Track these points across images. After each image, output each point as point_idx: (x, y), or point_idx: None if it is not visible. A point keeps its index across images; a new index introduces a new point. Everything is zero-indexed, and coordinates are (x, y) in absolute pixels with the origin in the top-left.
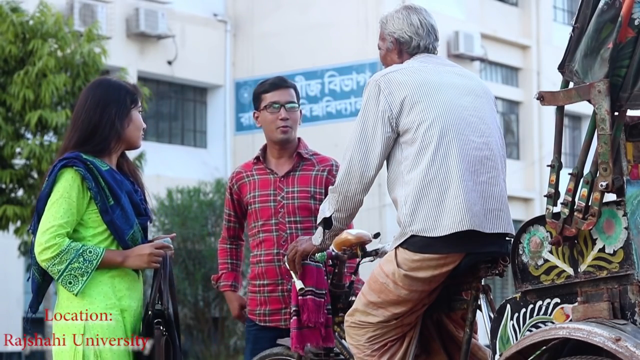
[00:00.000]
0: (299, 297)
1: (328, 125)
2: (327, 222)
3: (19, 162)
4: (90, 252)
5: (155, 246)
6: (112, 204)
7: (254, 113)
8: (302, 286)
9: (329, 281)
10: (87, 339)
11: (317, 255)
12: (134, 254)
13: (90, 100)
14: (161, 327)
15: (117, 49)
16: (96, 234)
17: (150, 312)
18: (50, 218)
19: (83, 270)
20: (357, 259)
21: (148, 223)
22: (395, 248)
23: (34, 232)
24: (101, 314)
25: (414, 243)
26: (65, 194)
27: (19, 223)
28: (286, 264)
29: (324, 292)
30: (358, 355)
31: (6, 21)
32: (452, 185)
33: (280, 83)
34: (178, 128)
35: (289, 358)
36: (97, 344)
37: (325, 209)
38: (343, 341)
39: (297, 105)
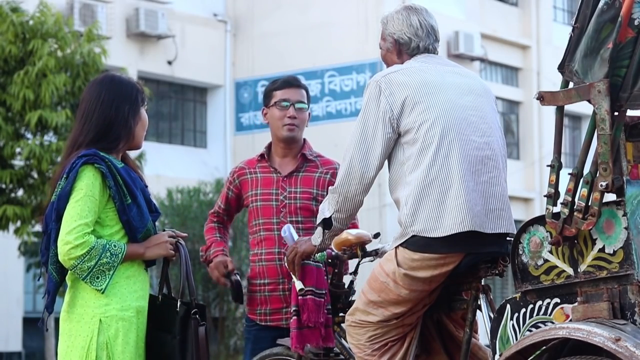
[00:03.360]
0: (299, 297)
1: (328, 125)
2: (326, 223)
3: (19, 162)
4: (115, 246)
5: (169, 234)
6: (130, 203)
7: (263, 109)
8: (302, 286)
9: (329, 281)
10: (100, 340)
11: (317, 255)
12: (153, 244)
13: (105, 95)
14: (197, 317)
15: (117, 49)
16: (113, 233)
17: (179, 304)
18: (75, 217)
19: (110, 264)
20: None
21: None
22: (396, 247)
23: (48, 231)
24: (116, 315)
25: (414, 242)
26: (89, 192)
27: (19, 223)
28: (286, 264)
29: (324, 292)
30: (359, 354)
31: (6, 21)
32: (453, 185)
33: (292, 82)
34: (178, 128)
35: (289, 358)
36: (111, 346)
37: (325, 209)
38: (343, 341)
39: (306, 106)
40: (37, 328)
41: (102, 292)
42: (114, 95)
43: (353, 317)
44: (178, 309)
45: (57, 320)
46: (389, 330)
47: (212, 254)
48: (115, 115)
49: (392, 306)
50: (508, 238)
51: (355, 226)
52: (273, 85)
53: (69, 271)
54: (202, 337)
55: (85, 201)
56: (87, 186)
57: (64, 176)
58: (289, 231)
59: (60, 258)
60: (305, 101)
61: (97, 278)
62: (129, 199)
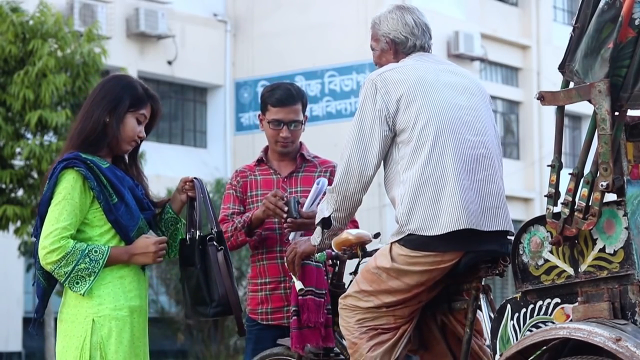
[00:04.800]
0: (299, 297)
1: (328, 125)
2: (325, 222)
3: (19, 162)
4: (95, 251)
5: (159, 242)
6: (116, 202)
7: (259, 115)
8: (302, 287)
9: (329, 281)
10: (94, 340)
11: (317, 255)
12: (139, 251)
13: (96, 96)
14: (215, 243)
15: (117, 49)
16: (103, 232)
17: (199, 233)
18: (52, 221)
19: (90, 270)
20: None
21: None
22: (391, 243)
23: (37, 237)
24: (109, 315)
25: (410, 240)
26: (68, 195)
27: (19, 223)
28: (285, 264)
29: (323, 292)
30: (348, 336)
31: (6, 21)
32: (448, 184)
33: (287, 100)
34: (178, 128)
35: (289, 358)
36: (104, 346)
37: (324, 209)
38: (343, 341)
39: (301, 122)
40: (37, 328)
41: (83, 296)
42: (102, 96)
43: (345, 301)
44: (196, 239)
45: (56, 320)
46: (378, 317)
47: (248, 216)
48: (98, 116)
49: (383, 295)
50: (509, 236)
51: (354, 221)
52: (269, 97)
53: None
54: (222, 261)
55: (63, 205)
56: (66, 189)
57: (47, 182)
58: (320, 183)
59: (41, 263)
60: (300, 117)
61: (77, 283)
62: (115, 198)
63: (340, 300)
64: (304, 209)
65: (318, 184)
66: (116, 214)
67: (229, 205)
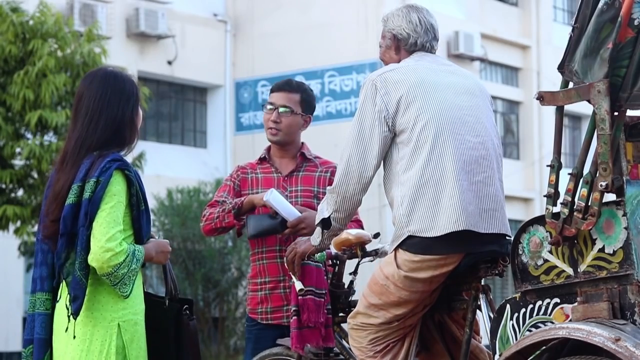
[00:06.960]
0: (299, 297)
1: (328, 125)
2: (325, 223)
3: (19, 162)
4: (139, 251)
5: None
6: (143, 209)
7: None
8: (302, 287)
9: (329, 281)
10: (118, 344)
11: (317, 255)
12: (161, 250)
13: (111, 94)
14: (187, 312)
15: (117, 49)
16: (126, 237)
17: (167, 302)
18: (112, 223)
19: (135, 270)
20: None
21: None
22: (395, 250)
23: (69, 234)
24: (131, 320)
25: (413, 244)
26: (120, 198)
27: (18, 223)
28: (285, 264)
29: (324, 292)
30: (360, 357)
31: (6, 21)
32: (448, 185)
33: (283, 86)
34: (178, 128)
35: (289, 358)
36: (127, 351)
37: (324, 210)
38: (343, 341)
39: (291, 110)
40: None
41: (127, 297)
42: (119, 94)
43: (355, 320)
44: (166, 307)
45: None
46: (390, 332)
47: (241, 200)
48: (122, 116)
49: (393, 308)
50: (507, 237)
51: (358, 221)
52: (272, 87)
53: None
54: (194, 333)
55: (118, 207)
56: (119, 192)
57: (93, 179)
58: (271, 195)
59: (96, 265)
60: (292, 106)
61: (125, 284)
62: (142, 205)
63: (349, 320)
64: (288, 223)
65: (268, 196)
66: (141, 221)
67: (222, 194)
